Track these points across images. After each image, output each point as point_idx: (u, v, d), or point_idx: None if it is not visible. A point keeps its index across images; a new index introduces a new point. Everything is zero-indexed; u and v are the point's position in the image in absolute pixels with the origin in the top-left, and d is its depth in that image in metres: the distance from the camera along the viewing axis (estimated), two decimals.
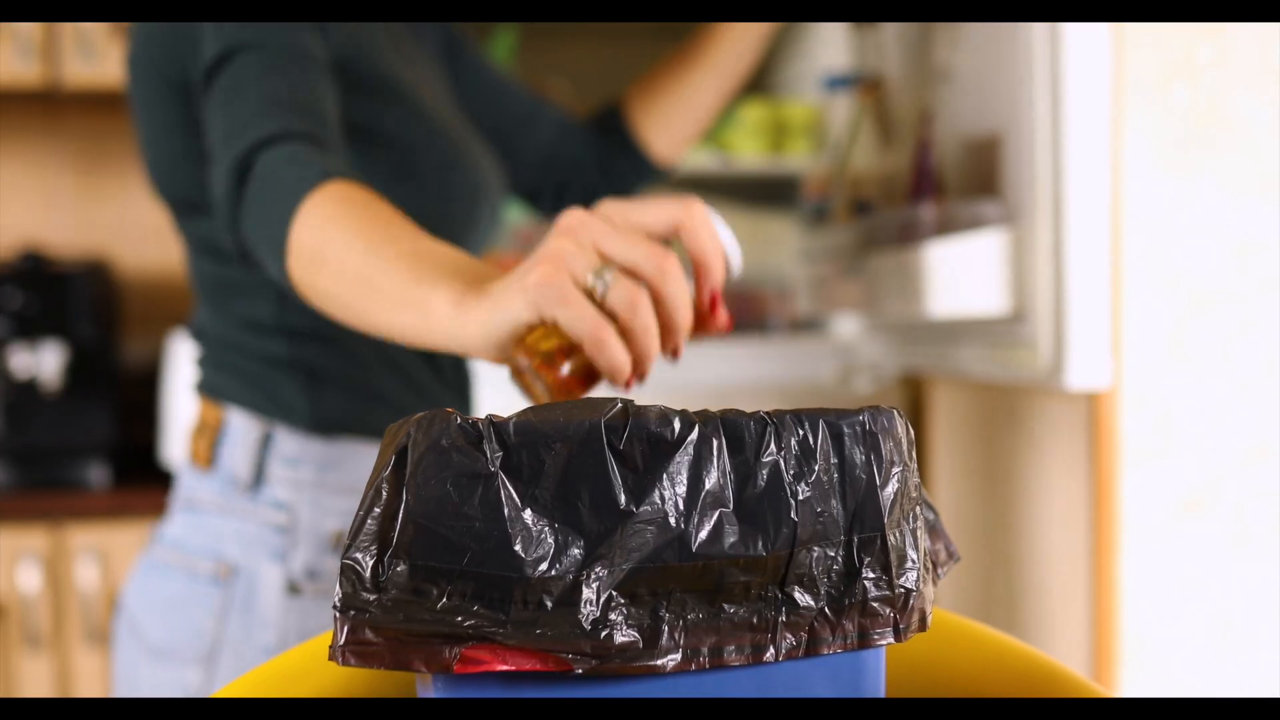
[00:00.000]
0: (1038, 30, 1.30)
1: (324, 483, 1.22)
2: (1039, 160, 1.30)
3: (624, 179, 1.53)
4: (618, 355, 0.73)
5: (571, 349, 0.74)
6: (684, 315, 0.75)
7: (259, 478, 1.22)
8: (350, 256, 0.87)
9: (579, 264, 0.73)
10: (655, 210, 0.76)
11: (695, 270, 0.78)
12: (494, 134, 1.46)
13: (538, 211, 1.58)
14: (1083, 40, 1.26)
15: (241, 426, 1.23)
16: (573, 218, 0.75)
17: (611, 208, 0.76)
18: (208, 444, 1.24)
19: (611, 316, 0.73)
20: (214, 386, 1.27)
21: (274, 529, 1.21)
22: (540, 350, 0.74)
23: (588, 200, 1.53)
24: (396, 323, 0.84)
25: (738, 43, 1.45)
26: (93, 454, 2.41)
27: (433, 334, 0.81)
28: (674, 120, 1.50)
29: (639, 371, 0.75)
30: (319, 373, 1.24)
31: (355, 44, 1.23)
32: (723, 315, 0.81)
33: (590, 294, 0.73)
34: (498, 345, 0.75)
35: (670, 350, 0.76)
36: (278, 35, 1.09)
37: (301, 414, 1.23)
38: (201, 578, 1.21)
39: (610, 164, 1.52)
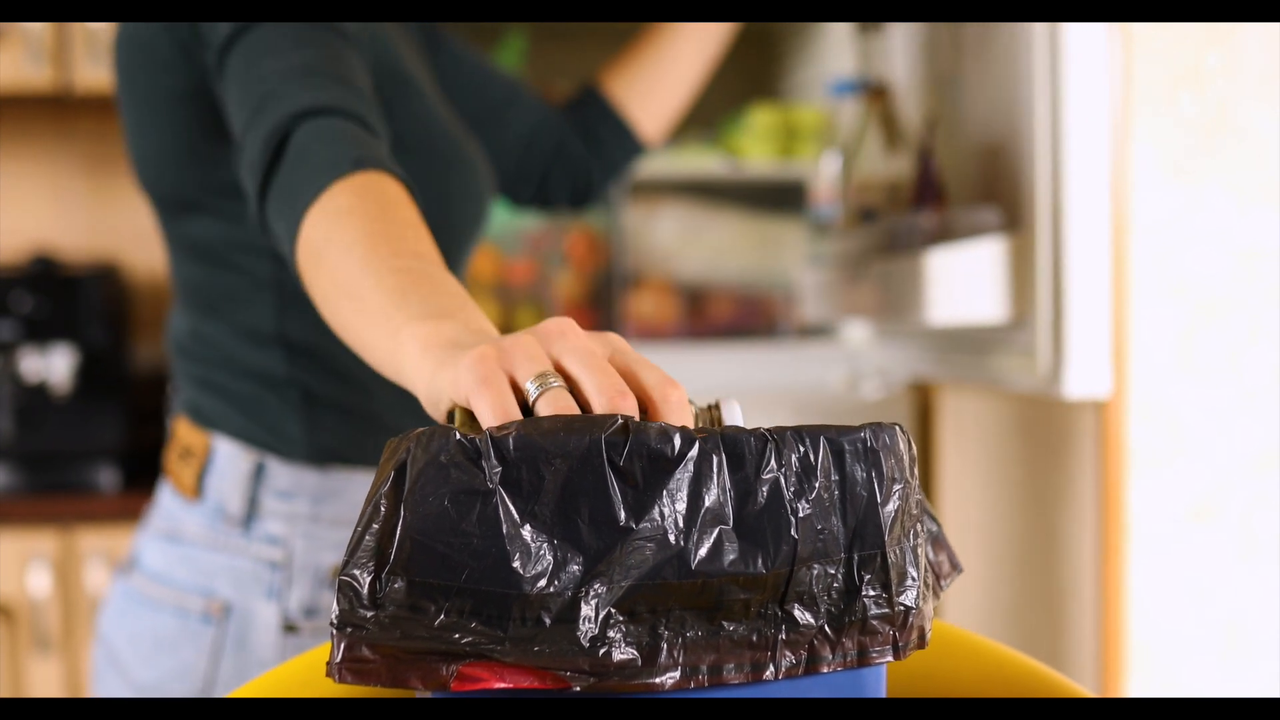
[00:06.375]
0: (1038, 36, 1.29)
1: (319, 516, 1.18)
2: (1039, 167, 1.30)
3: (609, 153, 1.48)
4: None
5: None
6: None
7: (251, 512, 1.17)
8: (347, 259, 0.82)
9: (525, 362, 0.64)
10: (647, 368, 0.65)
11: None
12: (474, 121, 1.41)
13: (517, 207, 1.52)
14: (1082, 46, 1.26)
15: (230, 455, 1.18)
16: (554, 322, 0.67)
17: (612, 337, 0.68)
18: (194, 473, 1.19)
19: None
20: (199, 410, 1.22)
21: (268, 565, 1.16)
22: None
23: (572, 189, 1.49)
24: (370, 343, 0.79)
25: None
26: (103, 457, 2.42)
27: (397, 370, 0.75)
28: (656, 89, 1.46)
29: None
30: (316, 395, 1.19)
31: (372, 35, 1.17)
32: None
33: (523, 395, 0.63)
34: (433, 407, 0.69)
35: None
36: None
37: (297, 442, 1.18)
38: (192, 615, 1.16)
39: (594, 138, 1.47)
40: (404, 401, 1.20)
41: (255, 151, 0.95)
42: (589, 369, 0.63)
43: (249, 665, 1.15)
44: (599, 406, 0.62)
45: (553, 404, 0.61)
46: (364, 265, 0.81)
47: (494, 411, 0.61)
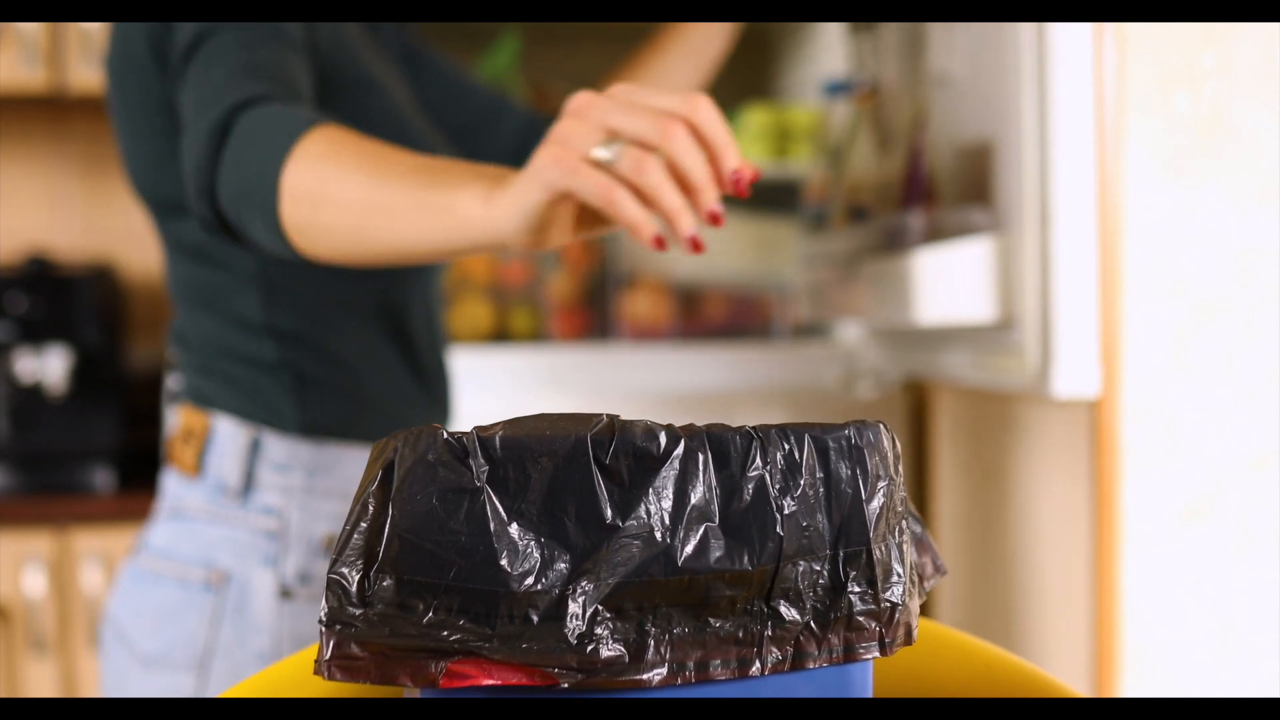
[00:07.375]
0: (1025, 36, 1.30)
1: (313, 487, 1.24)
2: (1026, 167, 1.30)
3: None
4: (633, 211, 0.76)
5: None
6: (699, 175, 0.77)
7: (248, 484, 1.23)
8: (355, 185, 0.88)
9: (585, 140, 0.76)
10: (663, 98, 0.77)
11: (710, 158, 0.80)
12: (460, 133, 1.44)
13: None
14: (1069, 47, 1.26)
15: (229, 433, 1.23)
16: (579, 100, 0.78)
17: (620, 88, 0.78)
18: (195, 452, 1.25)
19: (626, 184, 0.76)
20: (199, 393, 1.27)
21: (265, 535, 1.22)
22: None
23: None
24: (423, 232, 0.85)
25: (709, 24, 1.42)
26: (98, 458, 2.42)
27: (466, 232, 0.83)
28: None
29: (678, 231, 0.78)
30: (306, 376, 1.25)
31: (335, 41, 1.21)
32: (746, 178, 0.82)
33: (601, 167, 0.76)
34: (530, 230, 0.80)
35: (704, 214, 0.79)
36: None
37: (290, 418, 1.24)
38: (193, 585, 1.22)
39: None
40: (391, 383, 1.29)
41: (199, 145, 0.99)
42: (633, 119, 0.76)
43: (247, 631, 1.21)
44: (658, 140, 0.75)
45: (630, 157, 0.75)
46: (378, 180, 0.88)
47: (599, 188, 0.76)
